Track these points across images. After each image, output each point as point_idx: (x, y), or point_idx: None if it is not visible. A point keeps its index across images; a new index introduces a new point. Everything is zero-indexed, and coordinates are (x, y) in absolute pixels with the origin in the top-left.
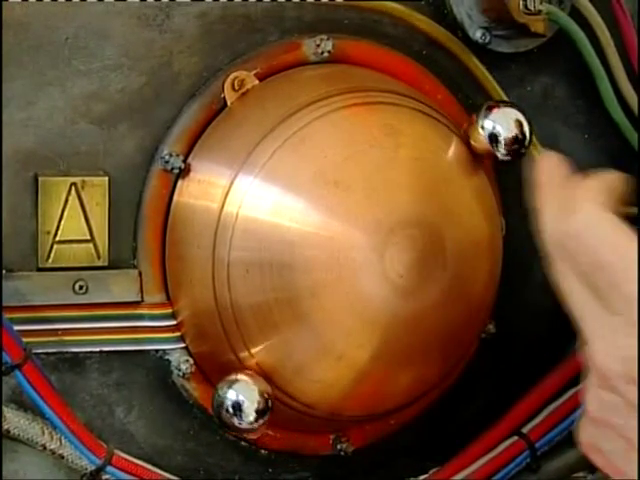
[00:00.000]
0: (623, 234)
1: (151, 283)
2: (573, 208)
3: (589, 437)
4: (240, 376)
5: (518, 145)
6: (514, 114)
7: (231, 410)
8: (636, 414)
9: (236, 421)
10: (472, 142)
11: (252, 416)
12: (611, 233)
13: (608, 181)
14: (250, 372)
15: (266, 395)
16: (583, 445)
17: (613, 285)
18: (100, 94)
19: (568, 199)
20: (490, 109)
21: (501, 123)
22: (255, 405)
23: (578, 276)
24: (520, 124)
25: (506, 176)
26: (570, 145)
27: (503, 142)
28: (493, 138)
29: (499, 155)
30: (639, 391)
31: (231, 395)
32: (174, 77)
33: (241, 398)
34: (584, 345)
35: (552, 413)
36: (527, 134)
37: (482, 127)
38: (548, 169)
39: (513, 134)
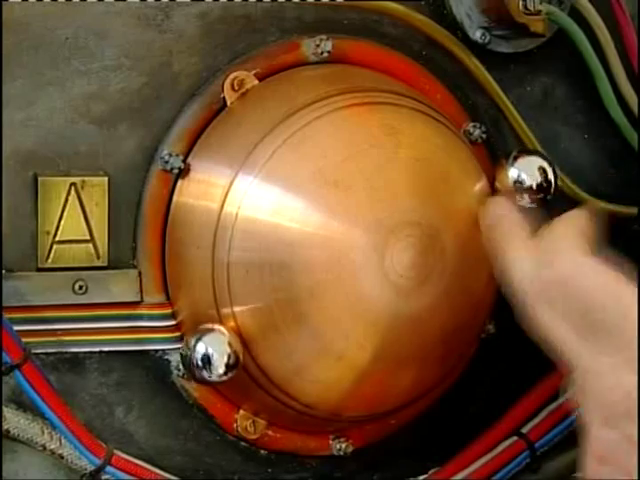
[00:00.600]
0: (611, 276)
1: (151, 283)
2: (554, 255)
3: (595, 475)
4: (210, 328)
5: (543, 192)
6: (539, 162)
7: (200, 363)
8: (636, 450)
9: (205, 374)
10: (498, 186)
11: (221, 369)
12: (600, 276)
13: (579, 224)
14: (220, 326)
15: (235, 348)
16: None
17: (610, 325)
18: (100, 94)
19: (545, 246)
20: (516, 158)
21: (526, 171)
22: (225, 358)
23: (567, 320)
24: (544, 172)
25: None
26: (570, 145)
27: (528, 190)
28: (518, 186)
29: (524, 203)
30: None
31: (200, 348)
32: (174, 77)
33: (210, 351)
34: (573, 384)
35: (551, 413)
36: (552, 181)
37: (508, 175)
38: (501, 215)
39: (537, 181)
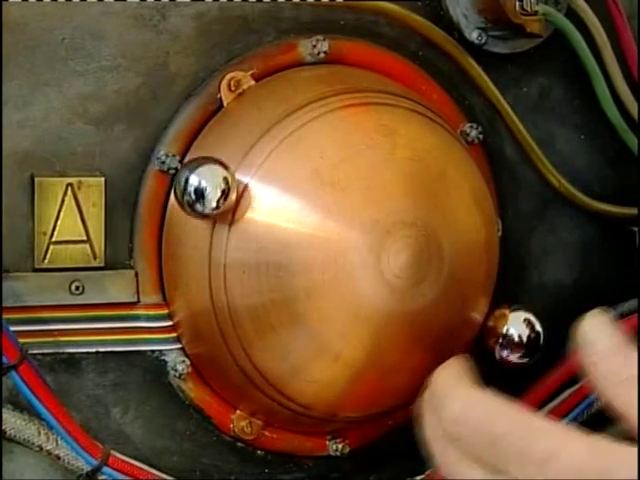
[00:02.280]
0: (504, 404)
1: (147, 284)
2: (443, 403)
3: None
4: (203, 160)
5: (532, 345)
6: (523, 316)
7: (193, 196)
8: None
9: (199, 207)
10: (490, 344)
11: (214, 202)
12: (492, 406)
13: (458, 366)
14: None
15: (229, 179)
16: None
17: (516, 453)
18: (96, 95)
19: (433, 398)
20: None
21: (514, 325)
22: (218, 191)
23: (472, 459)
24: (531, 324)
25: (502, 177)
26: (566, 146)
27: (518, 345)
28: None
29: (514, 360)
30: None
31: (193, 181)
32: (170, 78)
33: (204, 184)
34: None
35: (549, 413)
36: (540, 332)
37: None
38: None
39: (526, 335)
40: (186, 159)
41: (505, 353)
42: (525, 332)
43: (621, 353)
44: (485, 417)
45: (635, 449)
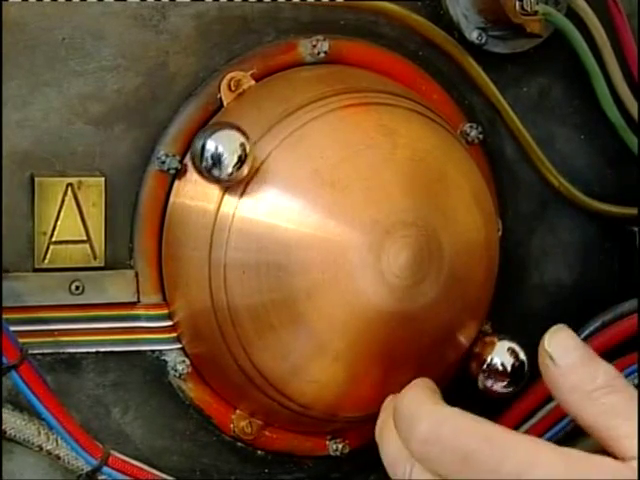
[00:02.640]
0: (474, 419)
1: (147, 284)
2: (410, 424)
3: None
4: (221, 125)
5: (516, 374)
6: (507, 345)
7: (210, 161)
8: None
9: (215, 172)
10: (473, 372)
11: (231, 167)
12: (461, 422)
13: (424, 386)
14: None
15: (246, 146)
16: None
17: (489, 470)
18: (96, 95)
19: (399, 419)
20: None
21: (499, 355)
22: (235, 157)
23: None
24: (514, 353)
25: (503, 177)
26: (566, 146)
27: (502, 375)
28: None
29: (499, 390)
30: None
31: (210, 146)
32: (170, 78)
33: (221, 149)
34: None
35: (548, 414)
36: (524, 361)
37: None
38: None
39: (510, 365)
40: (186, 159)
41: (489, 383)
42: (509, 361)
43: (585, 366)
44: (455, 434)
45: (608, 459)
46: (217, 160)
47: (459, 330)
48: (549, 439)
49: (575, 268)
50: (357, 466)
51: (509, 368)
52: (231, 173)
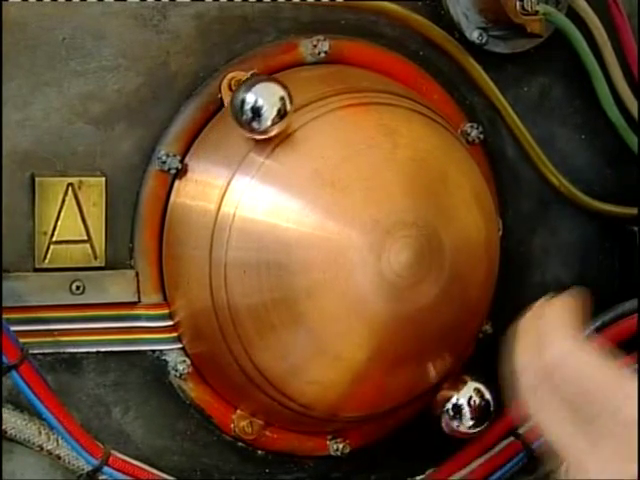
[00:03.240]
0: (603, 364)
1: (148, 284)
2: (544, 342)
3: None
4: (262, 78)
5: (482, 415)
6: (474, 386)
7: (250, 114)
8: None
9: (255, 125)
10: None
11: (270, 120)
12: (590, 362)
13: (569, 306)
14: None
15: (286, 99)
16: None
17: (606, 415)
18: (97, 94)
19: (538, 334)
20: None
21: (464, 396)
22: (274, 110)
23: (560, 410)
24: (480, 393)
25: (503, 176)
26: (567, 145)
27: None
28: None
29: (464, 429)
30: None
31: (250, 99)
32: (171, 77)
33: (260, 102)
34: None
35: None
36: (490, 401)
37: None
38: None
39: (476, 403)
40: (186, 159)
41: (455, 424)
42: (476, 401)
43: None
44: (579, 375)
45: None
46: (256, 113)
47: (459, 329)
48: None
49: (575, 267)
50: (358, 466)
51: (474, 409)
52: (270, 125)
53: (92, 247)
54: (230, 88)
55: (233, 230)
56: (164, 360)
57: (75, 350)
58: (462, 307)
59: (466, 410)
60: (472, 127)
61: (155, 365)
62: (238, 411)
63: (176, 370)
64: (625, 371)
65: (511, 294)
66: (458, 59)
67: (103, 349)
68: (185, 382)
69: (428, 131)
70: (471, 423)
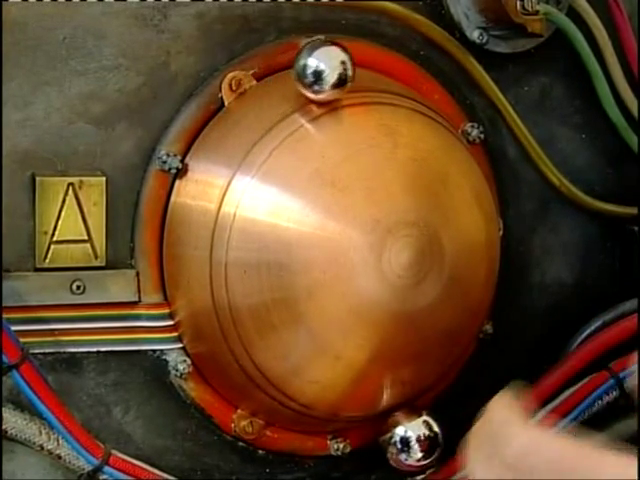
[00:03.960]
0: (572, 442)
1: (148, 283)
2: (500, 440)
3: None
4: (323, 42)
5: (431, 447)
6: (422, 419)
7: (312, 78)
8: None
9: (317, 87)
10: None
11: (330, 85)
12: (562, 444)
13: (511, 402)
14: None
15: (347, 63)
16: None
17: None
18: (98, 94)
19: (490, 434)
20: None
21: (413, 430)
22: (335, 74)
23: None
24: (429, 425)
25: (504, 176)
26: (567, 145)
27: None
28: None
29: (412, 462)
30: None
31: (312, 63)
32: (172, 77)
33: (322, 66)
34: None
35: (548, 414)
36: (438, 433)
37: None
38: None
39: (424, 434)
40: (187, 159)
41: (403, 457)
42: (424, 433)
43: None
44: (553, 455)
45: None
46: (318, 77)
47: (460, 329)
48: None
49: (576, 267)
50: (358, 466)
51: (422, 441)
52: (331, 89)
53: (93, 247)
54: (231, 88)
55: (234, 230)
56: (164, 360)
57: (75, 350)
58: (462, 307)
59: (414, 444)
60: (473, 127)
61: (155, 365)
62: (239, 411)
63: (177, 370)
64: (598, 445)
65: (512, 294)
66: (459, 59)
67: (103, 349)
68: (186, 382)
69: (429, 131)
70: (420, 456)
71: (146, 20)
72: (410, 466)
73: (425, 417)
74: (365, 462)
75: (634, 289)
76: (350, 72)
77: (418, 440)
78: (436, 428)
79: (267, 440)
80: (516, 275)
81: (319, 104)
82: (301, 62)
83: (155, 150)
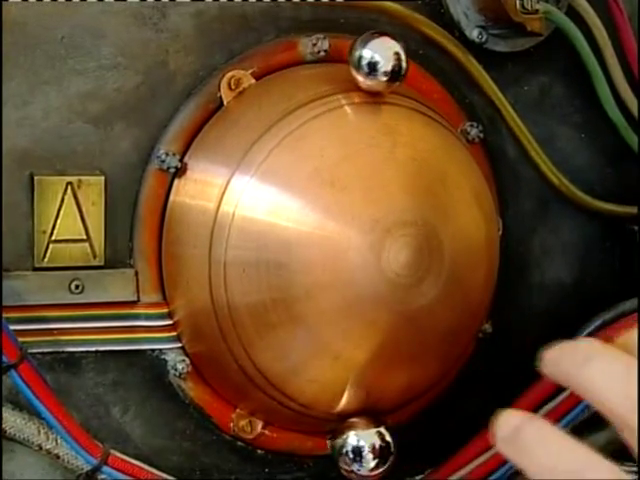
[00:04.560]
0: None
1: (147, 283)
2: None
3: None
4: (376, 34)
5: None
6: (374, 430)
7: (366, 69)
8: None
9: (372, 80)
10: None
11: (385, 76)
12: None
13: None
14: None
15: (401, 55)
16: None
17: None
18: (96, 93)
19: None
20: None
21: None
22: (389, 65)
23: None
24: (381, 435)
25: (503, 176)
26: (567, 145)
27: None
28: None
29: (364, 472)
30: None
31: (367, 54)
32: (170, 76)
33: (376, 57)
34: None
35: (548, 414)
36: (390, 443)
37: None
38: None
39: (378, 446)
40: (186, 158)
41: (356, 467)
42: (376, 443)
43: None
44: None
45: None
46: (373, 68)
47: (460, 329)
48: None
49: (575, 267)
50: None
51: (374, 450)
52: (386, 80)
53: (91, 246)
54: (230, 87)
55: (232, 229)
56: (163, 359)
57: (74, 349)
58: (462, 307)
59: (367, 452)
60: (472, 126)
61: (154, 364)
62: (237, 410)
63: (175, 369)
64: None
65: (511, 293)
66: (458, 58)
67: (102, 348)
68: (184, 381)
69: (428, 130)
70: (373, 465)
71: (145, 19)
72: (363, 476)
73: (379, 428)
74: None
75: (634, 289)
76: (404, 64)
77: (371, 449)
78: (388, 438)
79: (266, 440)
80: (515, 275)
81: (372, 94)
82: (356, 54)
83: (154, 149)
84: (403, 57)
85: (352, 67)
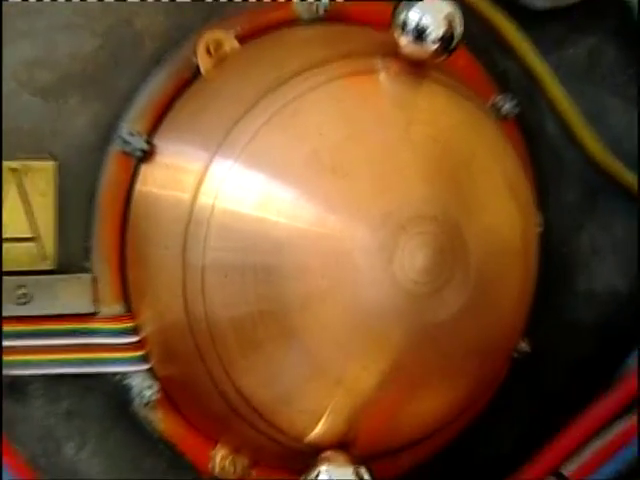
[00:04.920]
0: None
1: (108, 291)
2: None
3: None
4: None
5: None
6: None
7: (413, 34)
8: None
9: (418, 47)
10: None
11: (433, 44)
12: None
13: None
14: None
15: (453, 20)
16: None
17: None
18: (45, 60)
19: None
20: None
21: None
22: (440, 31)
23: None
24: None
25: (543, 159)
26: (620, 121)
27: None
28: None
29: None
30: None
31: (414, 16)
32: (135, 39)
33: (425, 21)
34: None
35: (597, 451)
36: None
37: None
38: None
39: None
40: (155, 139)
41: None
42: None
43: None
44: None
45: None
46: (421, 33)
47: (489, 348)
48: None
49: (631, 272)
50: None
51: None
52: (435, 49)
53: (40, 246)
54: (208, 51)
55: (212, 225)
56: (127, 384)
57: (19, 372)
58: (492, 321)
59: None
60: (505, 99)
61: (117, 390)
62: (218, 446)
63: (142, 397)
64: None
65: (552, 304)
66: (488, 17)
67: (54, 371)
68: (153, 411)
69: (451, 104)
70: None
71: None
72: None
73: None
74: None
75: None
76: (458, 29)
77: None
78: (367, 477)
79: None
80: (558, 281)
81: (413, 64)
82: (401, 17)
83: (116, 128)
84: (458, 22)
85: (395, 31)
